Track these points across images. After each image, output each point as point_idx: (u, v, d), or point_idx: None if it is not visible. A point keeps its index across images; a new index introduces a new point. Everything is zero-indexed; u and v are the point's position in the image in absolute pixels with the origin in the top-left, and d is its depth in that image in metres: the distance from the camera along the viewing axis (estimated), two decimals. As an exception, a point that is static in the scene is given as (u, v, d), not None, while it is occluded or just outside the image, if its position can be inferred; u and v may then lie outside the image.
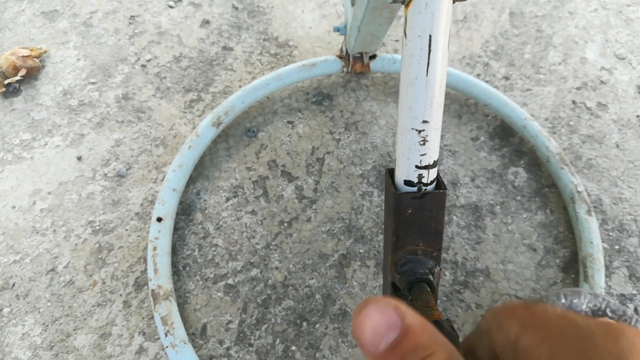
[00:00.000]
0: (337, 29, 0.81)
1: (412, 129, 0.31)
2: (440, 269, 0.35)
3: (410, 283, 0.33)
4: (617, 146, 0.82)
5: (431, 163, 0.33)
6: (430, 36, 0.27)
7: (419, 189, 0.31)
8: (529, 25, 0.98)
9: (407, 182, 0.31)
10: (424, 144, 0.31)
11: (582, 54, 0.94)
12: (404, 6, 0.28)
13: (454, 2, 0.25)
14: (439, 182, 0.33)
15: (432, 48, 0.28)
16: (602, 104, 0.87)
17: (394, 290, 0.36)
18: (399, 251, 0.34)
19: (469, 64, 0.92)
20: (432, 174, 0.31)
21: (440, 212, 0.33)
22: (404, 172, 0.31)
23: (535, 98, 0.88)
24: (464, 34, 0.96)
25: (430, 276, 0.33)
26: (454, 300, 0.68)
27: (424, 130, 0.31)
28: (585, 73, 0.91)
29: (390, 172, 0.35)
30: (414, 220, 0.33)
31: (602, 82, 0.90)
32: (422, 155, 0.32)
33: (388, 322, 0.19)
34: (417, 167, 0.32)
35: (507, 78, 0.90)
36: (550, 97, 0.88)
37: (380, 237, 0.72)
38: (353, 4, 0.75)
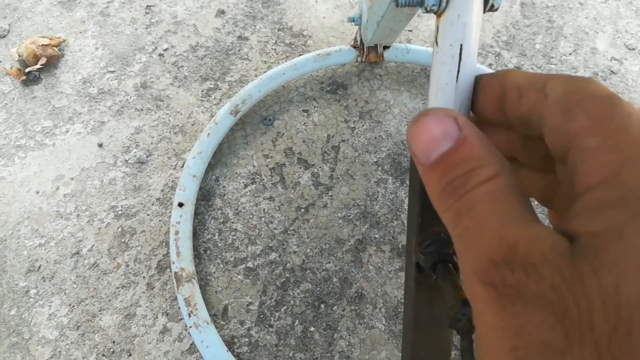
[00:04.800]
0: (351, 19, 0.83)
1: None
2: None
3: (434, 263, 0.34)
4: (627, 135, 0.83)
5: None
6: (461, 45, 0.29)
7: None
8: (540, 15, 0.99)
9: None
10: None
11: (592, 44, 0.95)
12: (435, 16, 0.29)
13: (484, 13, 0.27)
14: None
15: (462, 56, 0.30)
16: (612, 93, 0.88)
17: (418, 270, 0.37)
18: (423, 233, 0.36)
19: (480, 54, 0.93)
20: None
21: None
22: None
23: (546, 88, 0.89)
24: (475, 25, 0.97)
25: (454, 257, 0.34)
26: (467, 284, 0.70)
27: None
28: (595, 63, 0.92)
29: None
30: None
31: (612, 72, 0.91)
32: None
33: (444, 132, 0.18)
34: None
35: (518, 68, 0.91)
36: (561, 87, 0.89)
37: (395, 223, 0.74)
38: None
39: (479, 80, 0.24)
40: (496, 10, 0.25)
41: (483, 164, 0.17)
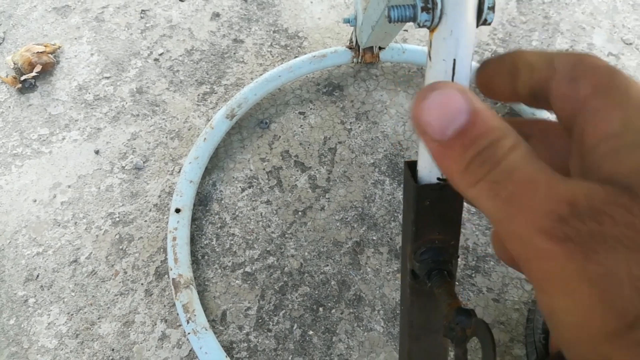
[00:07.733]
0: (347, 21, 0.82)
1: None
2: (458, 257, 0.36)
3: (429, 271, 0.34)
4: (625, 131, 0.83)
5: None
6: (454, 60, 0.29)
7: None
8: (536, 12, 0.98)
9: None
10: None
11: (589, 40, 0.94)
12: (428, 30, 0.29)
13: (477, 27, 0.26)
14: None
15: (455, 71, 0.29)
16: (610, 89, 0.87)
17: (413, 277, 0.37)
18: (418, 241, 0.36)
19: (477, 52, 0.92)
20: None
21: (459, 203, 0.34)
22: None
23: (544, 85, 0.88)
24: (471, 22, 0.97)
25: (449, 264, 0.34)
26: (466, 284, 0.70)
27: None
28: (593, 59, 0.91)
29: (409, 165, 0.36)
30: (433, 211, 0.34)
31: (610, 68, 0.90)
32: None
33: (457, 106, 0.18)
34: (439, 179, 0.34)
35: (515, 65, 0.91)
36: (558, 83, 0.88)
37: (393, 224, 0.74)
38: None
39: (488, 60, 0.26)
40: (489, 24, 0.25)
41: (503, 135, 0.18)
